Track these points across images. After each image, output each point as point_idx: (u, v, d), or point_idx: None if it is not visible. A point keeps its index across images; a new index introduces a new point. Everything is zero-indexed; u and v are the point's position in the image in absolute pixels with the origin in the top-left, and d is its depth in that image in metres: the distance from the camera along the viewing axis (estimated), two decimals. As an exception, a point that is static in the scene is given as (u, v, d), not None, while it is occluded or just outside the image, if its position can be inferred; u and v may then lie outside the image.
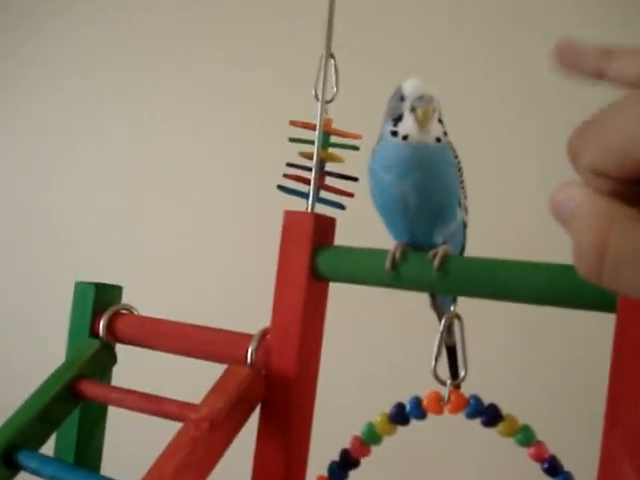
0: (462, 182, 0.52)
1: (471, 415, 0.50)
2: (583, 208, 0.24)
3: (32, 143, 1.41)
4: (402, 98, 0.49)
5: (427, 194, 0.50)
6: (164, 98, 1.29)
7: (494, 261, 0.48)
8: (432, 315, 0.57)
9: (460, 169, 0.52)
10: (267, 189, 0.65)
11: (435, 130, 0.49)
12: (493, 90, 1.03)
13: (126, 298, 0.67)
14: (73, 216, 1.35)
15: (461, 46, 1.06)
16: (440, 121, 0.50)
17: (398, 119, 0.49)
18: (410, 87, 0.49)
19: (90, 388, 0.60)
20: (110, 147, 1.34)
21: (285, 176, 0.62)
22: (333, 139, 0.63)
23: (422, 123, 0.48)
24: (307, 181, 0.60)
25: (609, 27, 0.96)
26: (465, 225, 0.54)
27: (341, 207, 0.61)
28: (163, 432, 0.53)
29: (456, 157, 0.51)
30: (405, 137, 0.49)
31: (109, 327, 0.64)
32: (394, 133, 0.49)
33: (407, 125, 0.49)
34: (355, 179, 0.59)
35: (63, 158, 1.38)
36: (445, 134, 0.50)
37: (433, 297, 0.57)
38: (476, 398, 0.50)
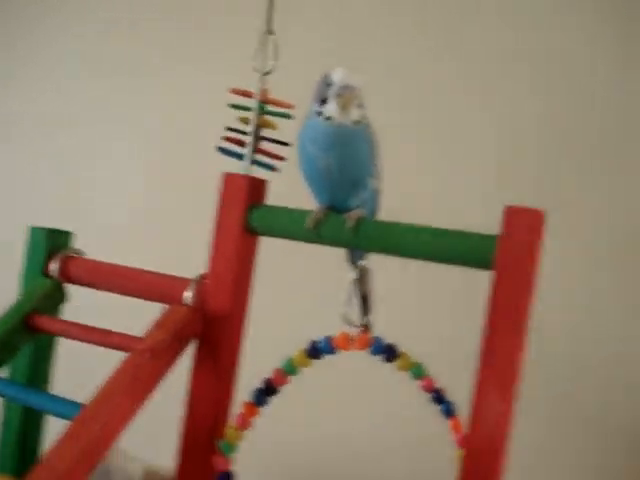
0: (377, 158, 0.61)
1: (375, 352, 0.60)
2: None
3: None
4: (329, 84, 0.57)
5: (345, 166, 0.59)
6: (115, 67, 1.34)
7: (396, 224, 0.57)
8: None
9: (376, 146, 0.60)
10: (209, 150, 0.72)
11: (354, 114, 0.57)
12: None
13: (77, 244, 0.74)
14: (25, 164, 1.39)
15: (390, 33, 1.14)
16: (359, 107, 0.58)
17: (324, 101, 0.57)
18: (337, 76, 0.57)
19: (42, 322, 0.68)
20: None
21: (225, 139, 0.70)
22: (270, 108, 0.70)
23: (343, 108, 0.56)
24: (244, 144, 0.68)
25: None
26: (378, 193, 0.63)
27: (274, 169, 0.69)
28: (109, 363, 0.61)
29: (373, 135, 0.60)
30: (328, 118, 0.57)
31: (60, 269, 0.71)
32: (319, 113, 0.57)
33: (331, 108, 0.57)
34: (287, 144, 0.67)
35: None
36: (364, 117, 0.58)
37: (349, 252, 0.66)
38: (378, 338, 0.60)
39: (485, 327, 0.54)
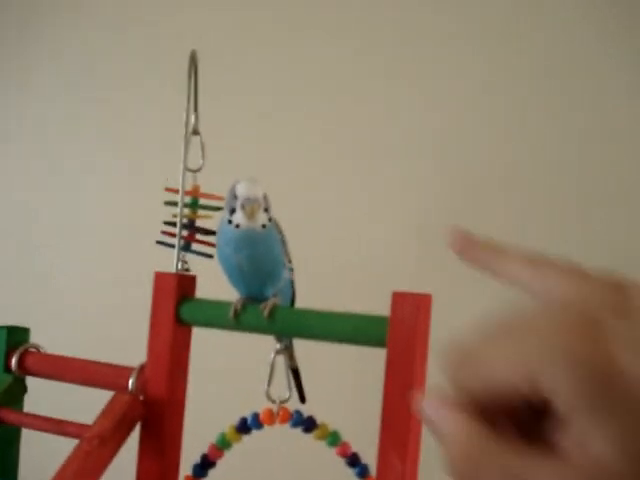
0: (286, 251, 0.69)
1: (295, 425, 0.67)
2: (451, 424, 0.26)
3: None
4: (235, 196, 0.66)
5: (257, 263, 0.67)
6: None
7: (306, 311, 0.65)
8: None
9: (284, 241, 0.69)
10: (149, 245, 0.80)
11: (261, 219, 0.66)
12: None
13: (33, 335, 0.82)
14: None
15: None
16: (266, 210, 0.67)
17: (232, 211, 0.66)
18: (241, 189, 0.65)
19: (5, 414, 0.75)
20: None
21: (163, 232, 0.78)
22: (203, 201, 0.79)
23: (249, 217, 0.65)
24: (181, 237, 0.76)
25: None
26: (292, 282, 0.71)
27: (209, 256, 0.77)
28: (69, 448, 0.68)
29: (280, 233, 0.68)
30: (237, 225, 0.66)
31: (20, 363, 0.78)
32: (230, 221, 0.66)
33: (238, 217, 0.65)
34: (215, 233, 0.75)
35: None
36: (270, 220, 0.67)
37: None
38: (298, 412, 0.68)
39: (383, 396, 0.62)
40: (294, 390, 0.72)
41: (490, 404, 0.26)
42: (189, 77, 0.75)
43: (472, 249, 0.31)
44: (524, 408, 0.26)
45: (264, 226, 0.66)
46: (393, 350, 0.61)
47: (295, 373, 0.75)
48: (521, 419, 0.26)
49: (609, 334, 0.24)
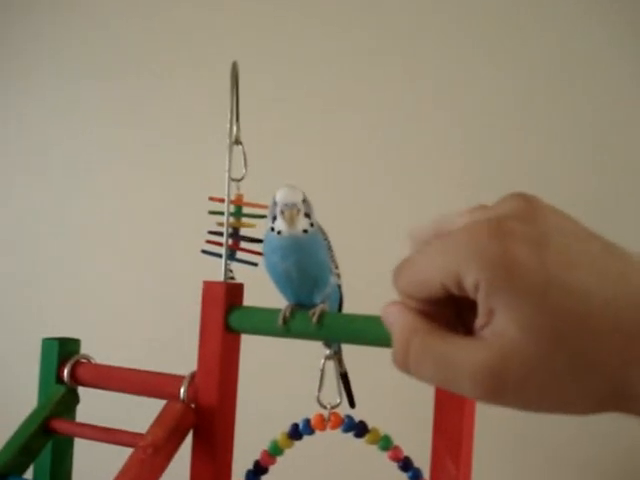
0: (332, 256, 0.70)
1: (346, 430, 0.68)
2: (397, 320, 0.32)
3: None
4: (275, 203, 0.66)
5: (303, 270, 0.67)
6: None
7: (355, 316, 0.66)
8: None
9: (329, 247, 0.69)
10: (194, 255, 0.81)
11: (302, 224, 0.66)
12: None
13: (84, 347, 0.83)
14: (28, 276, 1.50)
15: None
16: (307, 215, 0.67)
17: (274, 218, 0.67)
18: (279, 196, 0.66)
19: (59, 425, 0.77)
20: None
21: (207, 242, 0.79)
22: (247, 210, 0.79)
23: (289, 223, 0.66)
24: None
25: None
26: (339, 287, 0.71)
27: (254, 264, 0.78)
28: (120, 456, 0.69)
29: (325, 239, 0.69)
30: (279, 232, 0.66)
31: (72, 374, 0.79)
32: (272, 229, 0.67)
33: (279, 224, 0.66)
34: (261, 241, 0.75)
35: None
36: (312, 225, 0.67)
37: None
38: (349, 417, 0.68)
39: (435, 400, 0.62)
40: (344, 395, 0.72)
41: (426, 303, 0.32)
42: (231, 88, 0.76)
43: (421, 238, 0.35)
44: (452, 305, 0.31)
45: (305, 231, 0.67)
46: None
47: (344, 378, 0.75)
48: (449, 317, 0.32)
49: (510, 234, 0.29)
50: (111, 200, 1.44)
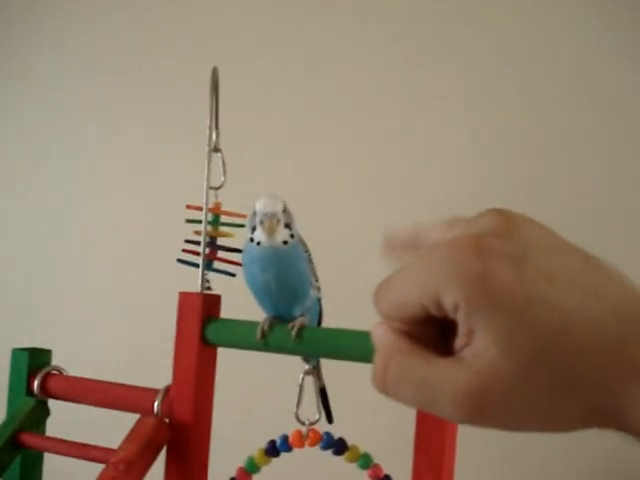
0: (313, 269, 0.68)
1: (325, 447, 0.66)
2: (378, 341, 0.32)
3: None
4: (255, 213, 0.65)
5: (283, 282, 0.65)
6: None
7: (335, 330, 0.64)
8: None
9: (310, 259, 0.67)
10: (169, 263, 0.79)
11: (282, 235, 0.64)
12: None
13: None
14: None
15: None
16: (288, 225, 0.65)
17: (254, 229, 0.65)
18: (259, 205, 0.64)
19: (28, 439, 0.74)
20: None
21: (184, 251, 0.77)
22: (225, 219, 0.77)
23: (268, 233, 0.64)
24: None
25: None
26: (319, 300, 0.70)
27: (232, 275, 0.76)
28: (91, 472, 0.67)
29: (306, 251, 0.67)
30: (258, 243, 0.64)
31: (42, 386, 0.77)
32: (251, 239, 0.65)
33: (258, 234, 0.64)
34: (240, 251, 0.73)
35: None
36: (292, 236, 0.65)
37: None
38: (328, 434, 0.66)
39: (416, 417, 0.60)
40: (323, 411, 0.70)
41: (409, 324, 0.31)
42: (211, 93, 0.74)
43: (395, 244, 0.36)
44: (436, 324, 0.30)
45: (285, 242, 0.65)
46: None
47: (322, 393, 0.73)
48: (432, 337, 0.31)
49: (488, 252, 0.28)
50: (84, 205, 1.40)
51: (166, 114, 1.34)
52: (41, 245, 1.43)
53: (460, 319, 0.28)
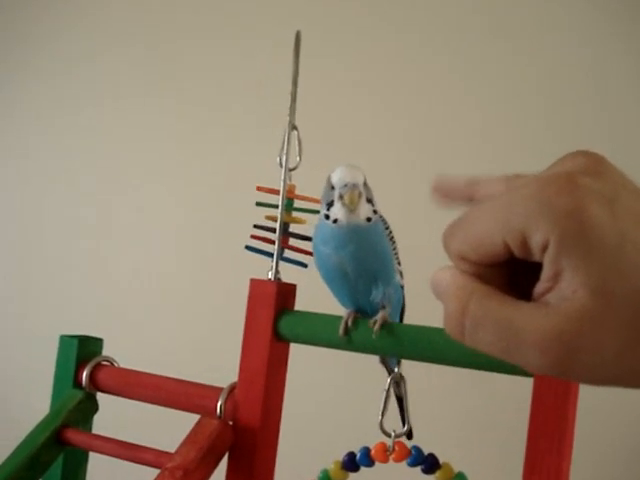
0: (395, 250, 0.59)
1: (413, 464, 0.57)
2: (451, 284, 0.30)
3: None
4: (332, 186, 0.56)
5: (361, 262, 0.57)
6: (136, 156, 1.36)
7: (427, 328, 0.55)
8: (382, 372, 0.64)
9: (393, 239, 0.59)
10: (238, 250, 0.71)
11: (364, 211, 0.56)
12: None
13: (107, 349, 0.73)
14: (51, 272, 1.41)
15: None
16: (369, 200, 0.57)
17: (330, 204, 0.56)
18: (337, 176, 0.56)
19: (74, 436, 0.67)
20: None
21: (253, 237, 0.69)
22: (297, 204, 0.69)
23: (350, 207, 0.55)
24: (272, 242, 0.66)
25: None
26: (402, 287, 0.61)
27: (303, 265, 0.68)
28: (141, 477, 0.59)
29: (387, 229, 0.58)
30: (335, 220, 0.56)
31: (91, 378, 0.70)
32: (327, 216, 0.57)
33: (336, 210, 0.56)
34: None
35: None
36: (375, 212, 0.57)
37: (382, 358, 0.64)
38: (417, 448, 0.57)
39: (528, 436, 0.51)
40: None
41: (481, 267, 0.29)
42: (294, 61, 0.66)
43: (450, 188, 0.34)
44: (507, 269, 0.29)
45: (369, 219, 0.56)
46: (541, 380, 0.51)
47: (399, 402, 0.64)
48: (511, 279, 0.29)
49: (583, 189, 0.26)
50: (141, 191, 1.34)
51: (230, 92, 1.27)
52: (93, 231, 1.37)
53: (547, 260, 0.27)
